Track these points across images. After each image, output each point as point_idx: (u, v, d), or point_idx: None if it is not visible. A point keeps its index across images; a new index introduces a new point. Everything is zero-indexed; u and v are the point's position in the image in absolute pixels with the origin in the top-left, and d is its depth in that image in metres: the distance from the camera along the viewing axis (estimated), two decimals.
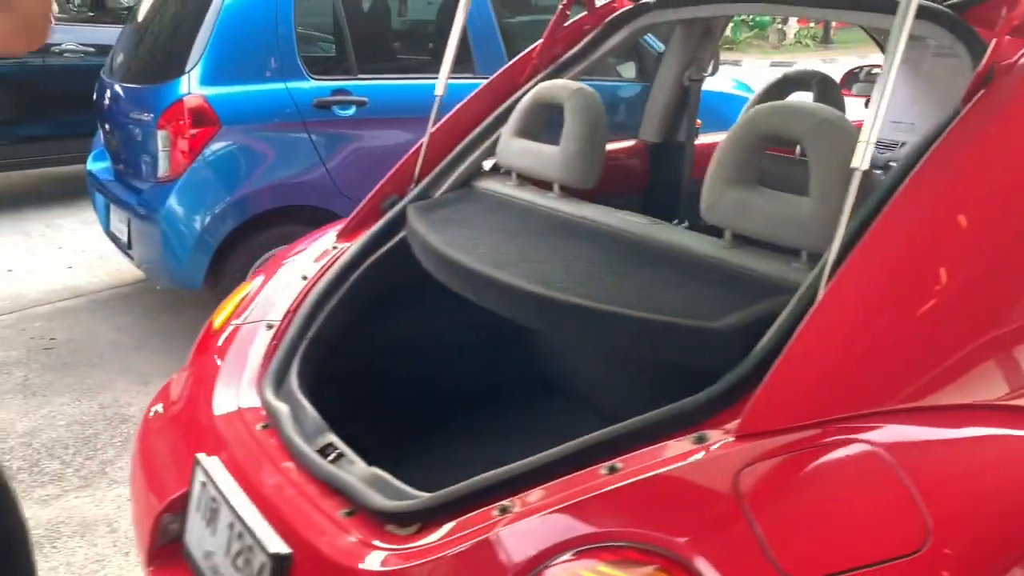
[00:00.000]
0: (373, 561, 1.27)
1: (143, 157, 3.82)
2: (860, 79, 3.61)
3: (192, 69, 3.59)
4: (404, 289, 2.06)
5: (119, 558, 2.57)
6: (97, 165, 4.41)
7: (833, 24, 22.29)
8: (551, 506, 1.17)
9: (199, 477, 1.57)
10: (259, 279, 2.04)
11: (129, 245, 3.91)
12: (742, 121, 1.55)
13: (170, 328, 4.20)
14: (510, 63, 2.26)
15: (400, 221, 2.05)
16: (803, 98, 2.88)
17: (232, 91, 3.60)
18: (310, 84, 3.75)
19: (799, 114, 1.47)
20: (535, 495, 1.20)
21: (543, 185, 2.07)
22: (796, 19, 19.09)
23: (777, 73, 2.60)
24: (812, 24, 21.57)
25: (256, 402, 1.69)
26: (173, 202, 3.59)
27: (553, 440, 2.07)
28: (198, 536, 1.55)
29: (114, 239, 4.16)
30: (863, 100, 2.93)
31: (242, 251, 3.71)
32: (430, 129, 2.14)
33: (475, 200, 2.05)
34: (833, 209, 1.39)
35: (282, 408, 1.60)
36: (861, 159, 1.24)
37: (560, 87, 2.02)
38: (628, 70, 4.80)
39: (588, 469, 1.21)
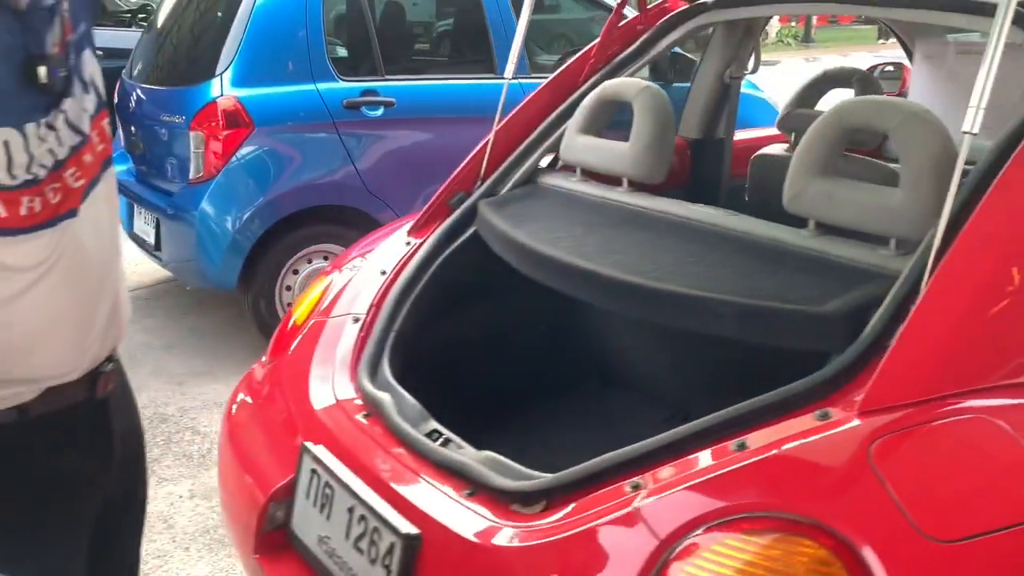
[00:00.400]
0: (503, 538, 1.33)
1: (172, 159, 3.85)
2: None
3: (224, 71, 3.62)
4: (474, 284, 2.12)
5: (180, 552, 2.60)
6: (118, 167, 4.42)
7: (814, 23, 22.53)
8: (684, 481, 1.23)
9: (307, 465, 1.62)
10: (337, 275, 2.09)
11: (157, 247, 3.93)
12: (828, 115, 1.62)
13: (198, 328, 4.23)
14: (567, 63, 2.32)
15: (470, 217, 2.11)
16: (843, 95, 2.97)
17: (264, 92, 3.64)
18: (339, 85, 3.79)
19: (889, 108, 1.55)
20: (666, 472, 1.27)
21: (607, 180, 2.14)
22: (778, 17, 19.30)
23: (816, 70, 2.67)
24: (793, 23, 21.79)
25: (351, 392, 1.75)
26: (207, 203, 3.63)
27: (621, 427, 2.16)
28: (309, 522, 1.60)
29: (138, 241, 4.18)
30: None
31: (274, 251, 3.76)
32: (496, 127, 2.20)
33: (543, 196, 2.11)
34: (924, 199, 1.47)
35: (384, 397, 1.66)
36: (972, 124, 1.30)
37: (627, 85, 2.08)
38: None
39: (716, 447, 1.27)
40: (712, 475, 1.22)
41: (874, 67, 3.69)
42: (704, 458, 1.26)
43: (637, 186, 2.04)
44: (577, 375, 2.34)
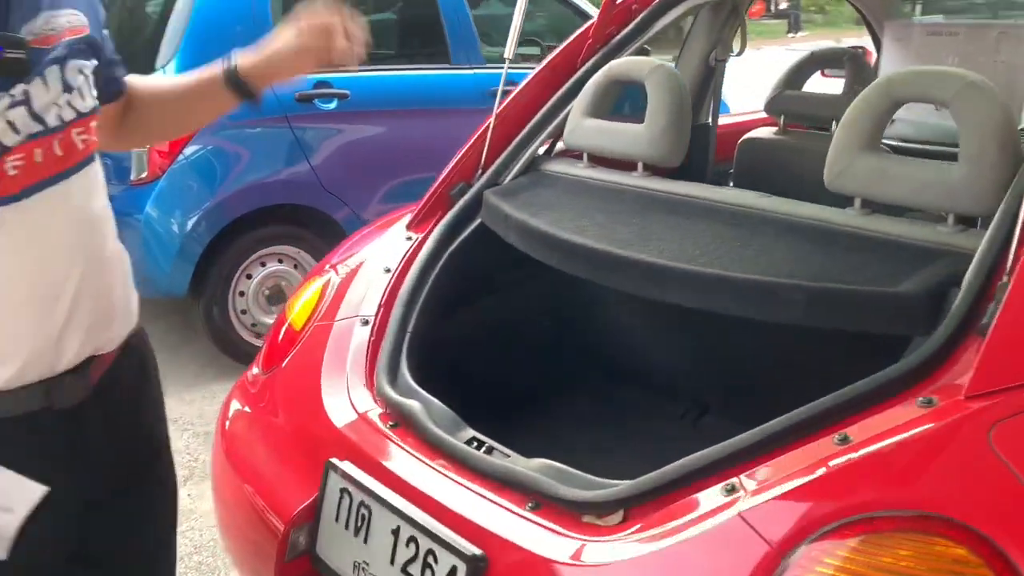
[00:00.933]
0: (580, 555, 1.20)
1: (110, 159, 3.58)
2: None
3: (167, 64, 3.39)
4: (480, 278, 2.00)
5: None
6: None
7: None
8: (787, 481, 1.13)
9: (335, 484, 1.46)
10: (333, 275, 1.93)
11: None
12: (876, 86, 1.54)
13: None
14: (564, 44, 2.21)
15: (474, 208, 1.98)
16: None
17: None
18: None
19: (946, 77, 1.48)
20: (764, 472, 1.16)
21: (615, 165, 2.03)
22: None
23: (804, 52, 2.63)
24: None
25: (371, 401, 1.60)
26: (153, 206, 3.39)
27: (639, 423, 2.06)
28: (340, 547, 1.44)
29: None
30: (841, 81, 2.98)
31: (226, 255, 3.54)
32: (496, 111, 2.07)
33: (551, 183, 1.99)
34: (988, 172, 1.41)
35: (412, 404, 1.51)
36: None
37: (638, 63, 1.98)
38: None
39: (814, 442, 1.17)
40: (818, 473, 1.12)
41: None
42: (804, 455, 1.16)
43: (652, 170, 1.94)
44: (582, 370, 2.23)
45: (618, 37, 2.18)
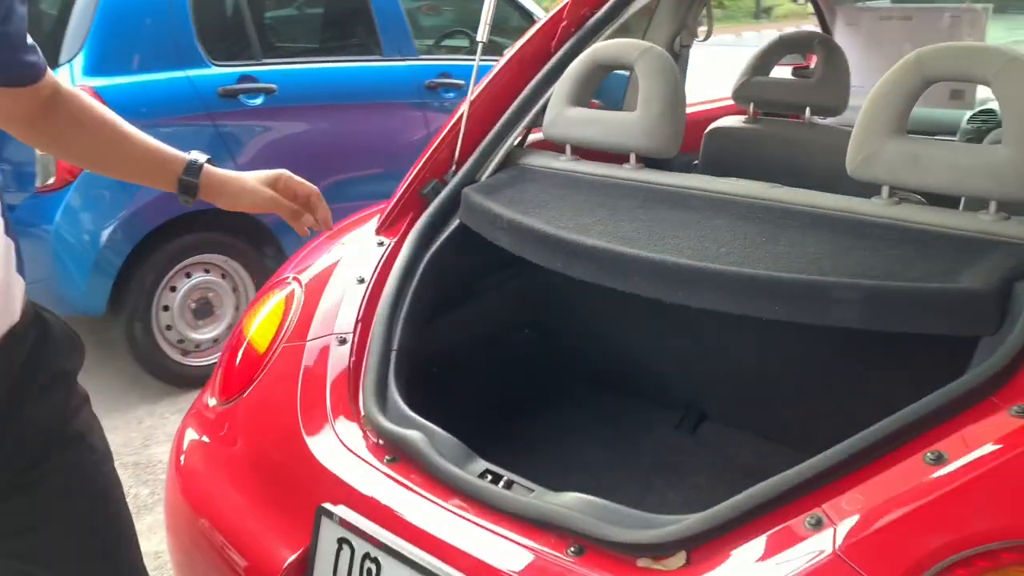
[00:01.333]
0: None
1: (7, 164, 3.23)
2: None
3: (73, 59, 3.06)
4: (460, 284, 1.82)
5: None
6: None
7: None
8: (886, 510, 0.99)
9: (330, 533, 1.26)
10: (296, 287, 1.70)
11: None
12: (905, 64, 1.42)
13: None
14: (536, 27, 2.03)
15: (450, 208, 1.79)
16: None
17: (125, 81, 3.11)
18: (213, 71, 3.31)
19: (985, 54, 1.36)
20: (852, 499, 1.02)
21: (599, 156, 1.88)
22: None
23: (772, 37, 2.52)
24: None
25: (359, 432, 1.40)
26: (63, 216, 3.06)
27: (635, 433, 1.90)
28: None
29: None
30: (789, 68, 2.92)
31: (148, 267, 3.24)
32: (469, 98, 1.88)
33: (536, 179, 1.81)
34: None
35: (412, 435, 1.32)
36: None
37: (626, 46, 1.82)
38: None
39: (901, 462, 1.03)
40: (919, 498, 0.98)
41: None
42: (894, 477, 1.02)
43: (645, 162, 1.79)
44: (566, 378, 2.07)
45: (593, 19, 2.02)
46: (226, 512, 1.43)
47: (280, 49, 3.67)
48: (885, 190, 1.45)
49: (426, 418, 1.37)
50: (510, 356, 2.00)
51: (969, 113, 3.11)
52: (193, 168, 1.26)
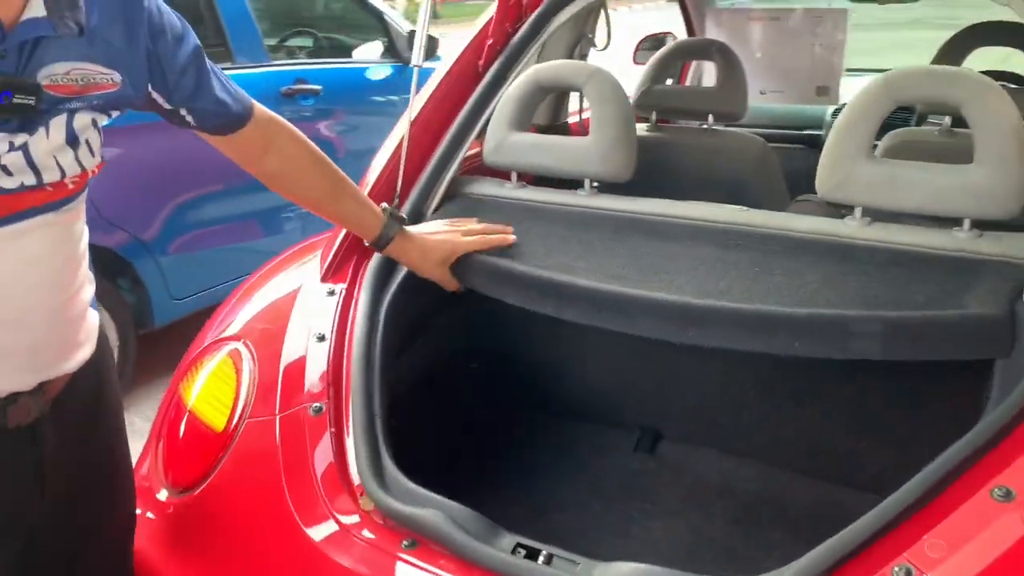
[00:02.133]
0: None
1: None
2: (645, 48, 3.72)
3: None
4: (413, 324, 1.70)
5: None
6: None
7: None
8: (975, 557, 0.99)
9: None
10: (244, 350, 1.53)
11: None
12: (873, 87, 1.44)
13: None
14: (465, 46, 1.92)
15: None
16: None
17: None
18: None
19: (958, 77, 1.41)
20: (937, 548, 1.01)
21: (546, 183, 1.81)
22: None
23: (670, 44, 2.53)
24: None
25: (357, 513, 1.27)
26: None
27: (598, 462, 1.85)
28: None
29: None
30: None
31: None
32: (407, 124, 1.74)
33: (487, 211, 1.72)
34: (1009, 174, 1.36)
35: (430, 515, 1.21)
36: None
37: (572, 68, 1.75)
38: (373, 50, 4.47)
39: (968, 501, 1.04)
40: (1006, 541, 0.99)
41: (646, 39, 3.68)
42: (967, 518, 1.03)
43: (602, 187, 1.74)
44: (516, 408, 2.00)
45: (518, 36, 1.94)
46: None
47: None
48: (858, 211, 1.48)
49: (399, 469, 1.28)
50: (459, 391, 1.91)
51: (832, 108, 3.30)
52: (382, 242, 1.54)
